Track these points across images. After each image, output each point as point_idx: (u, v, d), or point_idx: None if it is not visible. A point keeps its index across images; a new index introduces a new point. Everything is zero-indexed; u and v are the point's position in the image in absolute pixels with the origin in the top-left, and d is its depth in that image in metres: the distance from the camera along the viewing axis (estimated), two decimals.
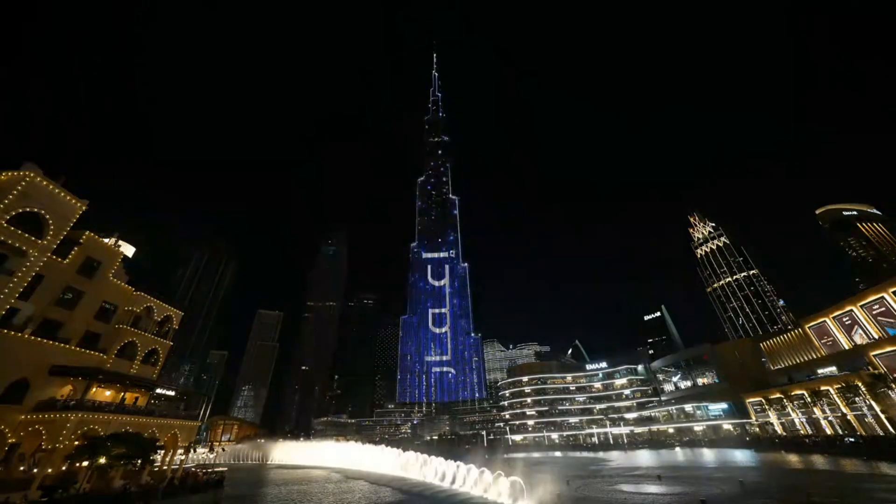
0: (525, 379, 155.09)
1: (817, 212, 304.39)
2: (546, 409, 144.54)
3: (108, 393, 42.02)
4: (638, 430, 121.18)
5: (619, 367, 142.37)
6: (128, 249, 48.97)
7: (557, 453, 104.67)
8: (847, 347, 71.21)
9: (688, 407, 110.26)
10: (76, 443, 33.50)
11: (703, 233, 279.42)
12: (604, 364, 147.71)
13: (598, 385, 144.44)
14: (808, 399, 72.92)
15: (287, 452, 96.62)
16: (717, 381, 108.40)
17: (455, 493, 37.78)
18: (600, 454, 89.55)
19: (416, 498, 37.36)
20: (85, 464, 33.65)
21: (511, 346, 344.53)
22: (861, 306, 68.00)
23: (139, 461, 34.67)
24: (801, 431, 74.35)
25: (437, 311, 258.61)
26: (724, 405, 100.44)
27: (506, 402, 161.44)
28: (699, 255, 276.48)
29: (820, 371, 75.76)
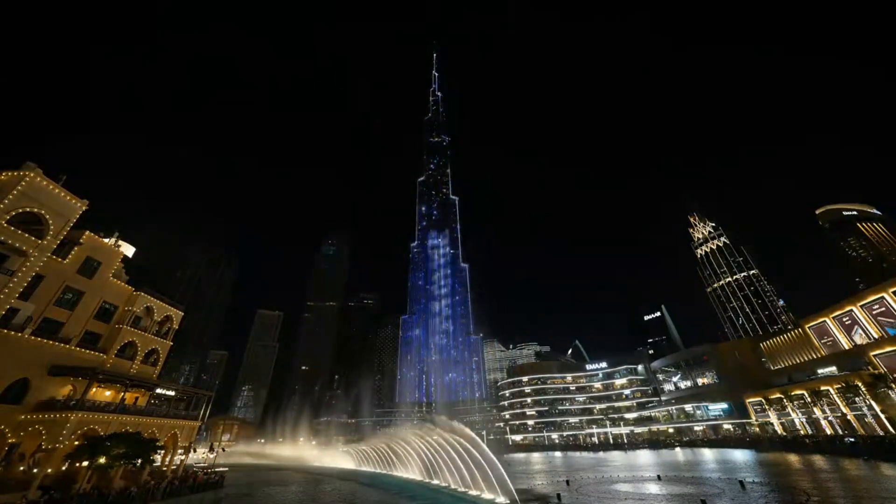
0: (525, 379, 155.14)
1: (817, 212, 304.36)
2: (546, 409, 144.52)
3: (108, 393, 42.05)
4: (638, 430, 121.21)
5: (619, 367, 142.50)
6: (128, 249, 49.01)
7: (557, 453, 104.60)
8: (847, 347, 71.32)
9: (688, 407, 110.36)
10: (76, 443, 33.52)
11: (703, 233, 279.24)
12: (604, 364, 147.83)
13: (598, 385, 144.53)
14: (809, 399, 72.97)
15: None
16: (717, 381, 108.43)
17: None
18: (600, 454, 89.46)
19: (406, 500, 37.32)
20: (85, 464, 33.65)
21: (511, 346, 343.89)
22: (861, 306, 68.10)
23: (139, 461, 34.69)
24: (802, 431, 74.38)
25: (437, 310, 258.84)
26: (724, 405, 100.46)
27: (506, 402, 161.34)
28: (699, 255, 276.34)
29: (820, 371, 75.85)
